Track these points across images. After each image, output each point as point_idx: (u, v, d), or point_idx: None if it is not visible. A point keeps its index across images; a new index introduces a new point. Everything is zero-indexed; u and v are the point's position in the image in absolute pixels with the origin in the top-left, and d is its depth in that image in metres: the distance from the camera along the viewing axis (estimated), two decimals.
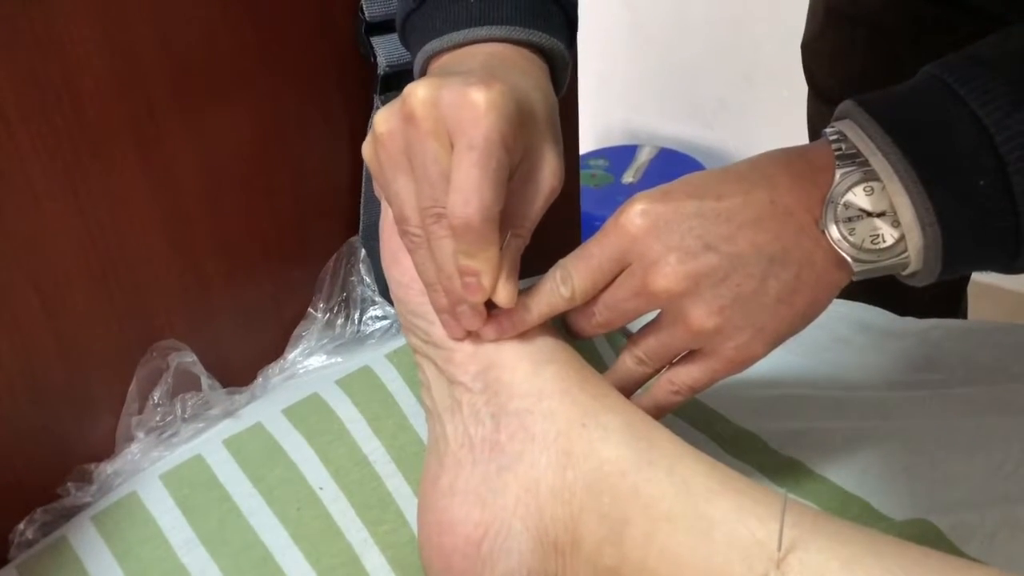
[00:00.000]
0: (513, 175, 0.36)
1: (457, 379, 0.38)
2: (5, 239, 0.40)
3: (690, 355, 0.39)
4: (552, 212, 0.39)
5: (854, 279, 0.37)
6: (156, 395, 0.46)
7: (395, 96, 0.52)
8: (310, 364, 0.51)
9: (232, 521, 0.43)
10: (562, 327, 0.41)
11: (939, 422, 0.50)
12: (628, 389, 0.41)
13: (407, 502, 0.44)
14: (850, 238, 0.35)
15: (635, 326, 0.41)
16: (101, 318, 0.44)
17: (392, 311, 0.52)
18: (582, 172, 1.32)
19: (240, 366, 0.51)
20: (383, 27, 0.51)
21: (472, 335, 0.38)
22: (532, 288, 0.39)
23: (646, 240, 0.36)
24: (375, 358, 0.49)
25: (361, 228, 0.54)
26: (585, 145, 1.42)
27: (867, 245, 0.35)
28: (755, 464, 0.48)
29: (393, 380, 0.48)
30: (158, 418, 0.46)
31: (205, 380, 0.48)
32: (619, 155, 1.52)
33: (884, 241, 0.35)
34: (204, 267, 0.48)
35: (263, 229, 0.50)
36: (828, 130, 0.37)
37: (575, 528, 0.35)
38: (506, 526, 0.36)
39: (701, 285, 0.36)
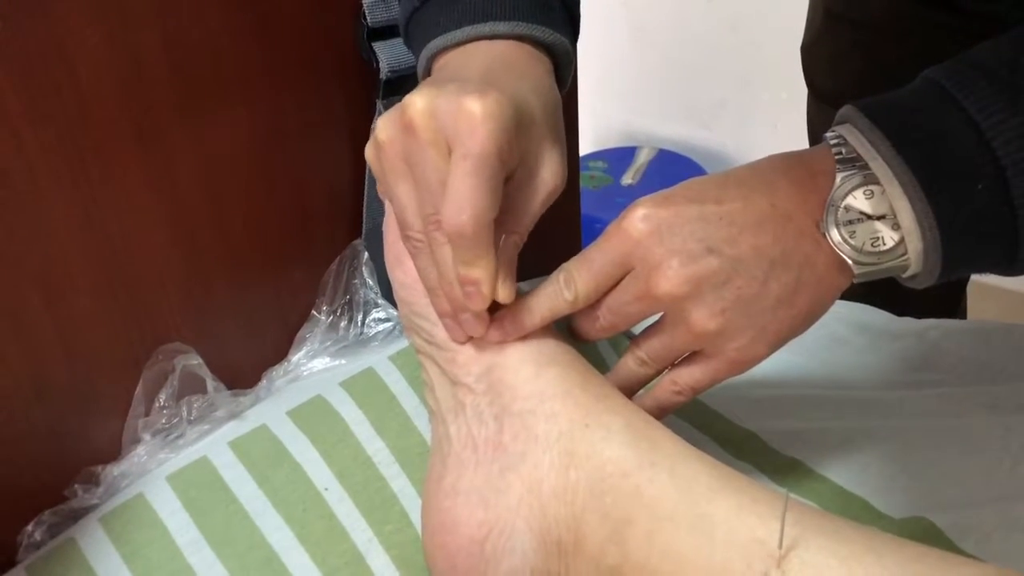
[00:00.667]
0: (510, 178, 0.37)
1: (460, 380, 0.38)
2: (11, 243, 0.40)
3: (692, 356, 0.39)
4: (552, 213, 0.39)
5: (855, 281, 0.37)
6: (162, 397, 0.47)
7: (398, 101, 0.53)
8: (314, 366, 0.52)
9: (238, 522, 0.43)
10: (566, 330, 0.41)
11: (937, 421, 0.50)
12: (630, 390, 0.41)
13: (411, 502, 0.44)
14: (851, 241, 0.36)
15: (637, 328, 0.42)
16: (107, 321, 0.45)
17: (395, 313, 0.53)
18: (581, 174, 1.32)
19: (245, 368, 0.51)
20: (385, 32, 0.51)
21: (475, 337, 0.39)
22: (535, 291, 0.39)
23: (648, 244, 0.36)
24: (378, 360, 0.50)
25: (364, 231, 0.55)
26: (584, 147, 1.43)
27: (867, 248, 0.36)
28: (755, 464, 0.48)
29: (396, 382, 0.49)
30: (164, 420, 0.47)
31: (210, 382, 0.48)
32: (618, 157, 1.53)
33: (884, 244, 0.36)
34: (208, 270, 0.48)
35: (266, 233, 0.51)
36: (828, 134, 0.37)
37: (578, 528, 0.35)
38: (509, 526, 0.36)
39: (703, 288, 0.36)
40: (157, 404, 0.47)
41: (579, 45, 0.46)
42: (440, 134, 0.35)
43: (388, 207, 0.41)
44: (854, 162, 0.36)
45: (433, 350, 0.40)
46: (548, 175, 0.38)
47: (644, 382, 0.41)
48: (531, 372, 0.38)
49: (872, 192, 0.35)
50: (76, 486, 0.44)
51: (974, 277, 0.84)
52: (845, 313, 0.59)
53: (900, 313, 0.60)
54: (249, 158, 0.49)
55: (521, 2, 0.40)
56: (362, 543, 0.43)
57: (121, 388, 0.46)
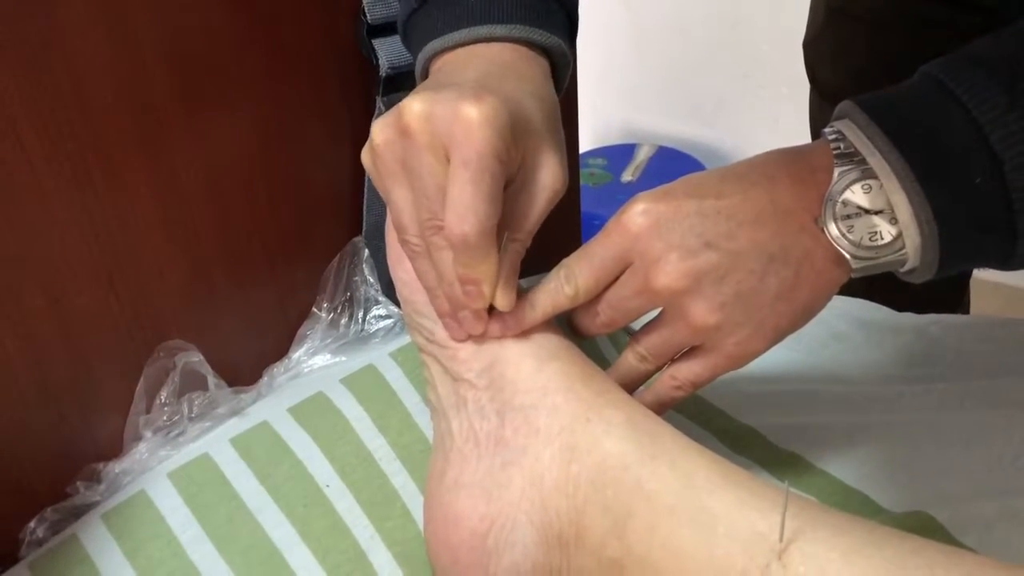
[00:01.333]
0: (511, 183, 0.37)
1: (462, 376, 0.38)
2: (14, 241, 0.40)
3: (692, 351, 0.39)
4: (552, 211, 0.39)
5: (852, 276, 0.37)
6: (163, 395, 0.47)
7: (398, 98, 0.53)
8: (315, 363, 0.52)
9: (240, 518, 0.43)
10: (566, 325, 0.41)
11: (937, 416, 0.51)
12: (630, 385, 0.41)
13: (412, 498, 0.44)
14: (849, 235, 0.36)
15: (636, 324, 0.42)
16: (108, 319, 0.45)
17: (395, 310, 0.53)
18: (581, 171, 1.32)
19: (246, 366, 0.51)
20: (385, 29, 0.51)
21: (474, 335, 0.39)
22: (536, 287, 0.39)
23: (647, 239, 0.36)
24: (379, 357, 0.50)
25: (364, 228, 0.55)
26: (584, 144, 1.43)
27: (865, 242, 0.36)
28: (756, 459, 0.48)
29: (397, 378, 0.49)
30: (165, 417, 0.47)
31: (212, 379, 0.48)
32: (618, 154, 1.53)
33: (882, 238, 0.36)
34: (209, 268, 0.48)
35: (267, 230, 0.51)
36: (827, 130, 0.37)
37: (579, 521, 0.35)
38: (511, 519, 0.36)
39: (702, 282, 0.36)
40: (158, 401, 0.47)
41: (579, 42, 0.46)
42: (437, 139, 0.35)
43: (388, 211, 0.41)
44: (852, 157, 0.36)
45: (435, 348, 0.40)
46: (548, 179, 0.38)
47: (644, 378, 0.41)
48: (532, 367, 0.38)
49: (870, 187, 0.36)
50: (78, 483, 0.44)
51: (975, 273, 0.84)
52: (845, 309, 0.59)
53: (901, 309, 0.60)
54: (249, 156, 0.49)
55: (519, 4, 0.40)
56: (364, 539, 0.43)
57: (122, 385, 0.46)
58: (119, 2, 0.41)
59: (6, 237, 0.40)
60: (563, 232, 0.72)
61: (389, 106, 0.52)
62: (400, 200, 0.37)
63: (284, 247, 0.52)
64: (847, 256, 0.36)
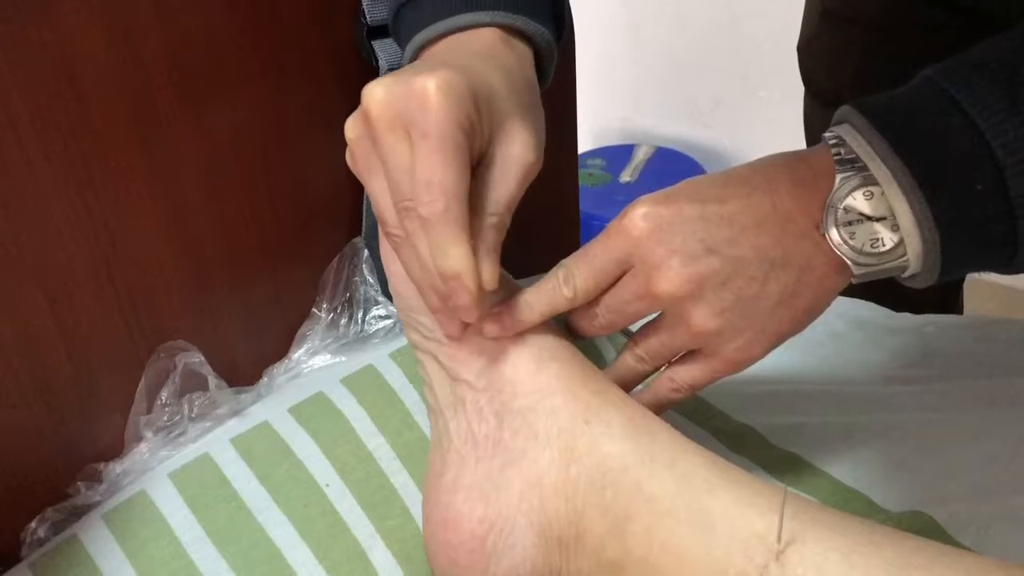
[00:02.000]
0: (481, 159, 0.36)
1: (460, 376, 0.38)
2: (14, 242, 0.40)
3: (691, 354, 0.39)
4: (551, 212, 0.39)
5: (854, 281, 0.37)
6: (164, 395, 0.47)
7: None
8: (315, 363, 0.52)
9: (240, 518, 0.43)
10: (564, 326, 0.41)
11: (935, 415, 0.50)
12: (628, 386, 0.41)
13: (412, 498, 0.44)
14: (850, 242, 0.36)
15: (635, 325, 0.42)
16: (109, 320, 0.44)
17: (395, 310, 0.53)
18: (579, 172, 1.32)
19: (246, 366, 0.51)
20: (384, 31, 0.51)
21: (474, 333, 0.38)
22: (534, 287, 0.39)
23: (649, 243, 0.36)
24: (379, 357, 0.50)
25: (363, 229, 0.55)
26: (582, 145, 1.43)
27: (867, 249, 0.36)
28: (754, 459, 0.48)
29: (397, 378, 0.49)
30: (166, 418, 0.47)
31: (212, 380, 0.48)
32: (616, 154, 1.53)
33: (884, 245, 0.36)
34: (209, 268, 0.48)
35: (267, 231, 0.51)
36: (827, 135, 0.37)
37: (578, 523, 0.35)
38: (510, 521, 0.36)
39: (703, 288, 0.36)
40: (159, 402, 0.47)
41: (577, 43, 0.46)
42: (397, 119, 0.34)
43: None
44: (853, 163, 0.36)
45: (433, 345, 0.40)
46: (519, 152, 0.36)
47: (642, 378, 0.41)
48: (531, 368, 0.37)
49: (871, 193, 0.35)
50: (79, 483, 0.44)
51: (971, 274, 0.84)
52: (843, 309, 0.59)
53: (897, 309, 0.60)
54: (249, 157, 0.48)
55: None
56: (364, 538, 0.43)
57: (123, 386, 0.46)
58: (119, 2, 0.41)
59: (6, 238, 0.40)
60: (561, 232, 0.72)
61: None
62: (378, 191, 0.37)
63: (284, 248, 0.52)
64: (849, 263, 0.36)
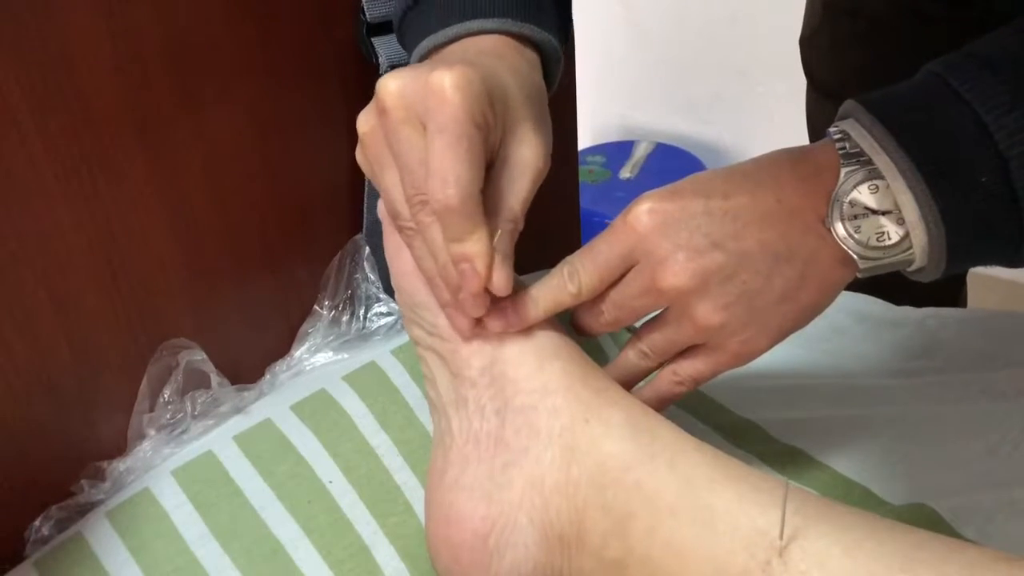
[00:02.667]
0: (494, 160, 0.36)
1: (462, 373, 0.38)
2: (17, 241, 0.40)
3: (694, 349, 0.39)
4: (552, 208, 0.39)
5: (859, 275, 0.37)
6: (166, 393, 0.46)
7: None
8: (317, 361, 0.51)
9: (244, 515, 0.42)
10: (568, 324, 0.40)
11: (937, 408, 0.50)
12: (630, 382, 0.41)
13: (415, 494, 0.44)
14: (856, 236, 0.35)
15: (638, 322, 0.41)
16: (111, 318, 0.44)
17: (396, 307, 0.52)
18: (579, 168, 1.32)
19: (248, 364, 0.51)
20: (384, 28, 0.50)
21: (478, 329, 0.38)
22: (539, 283, 0.38)
23: (654, 238, 0.36)
24: (381, 354, 0.49)
25: (364, 226, 0.54)
26: (582, 141, 1.42)
27: (872, 243, 0.35)
28: (756, 453, 0.48)
29: (399, 375, 0.48)
30: (169, 416, 0.46)
31: (215, 378, 0.48)
32: (616, 151, 1.52)
33: (889, 238, 0.35)
34: (211, 266, 0.48)
35: (268, 229, 0.50)
36: (831, 129, 0.37)
37: (580, 522, 0.35)
38: (512, 520, 0.36)
39: (709, 283, 0.36)
40: (162, 399, 0.46)
41: (577, 39, 0.45)
42: (412, 111, 0.34)
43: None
44: (858, 157, 0.35)
45: (435, 341, 0.39)
46: (530, 157, 0.36)
47: (644, 374, 0.41)
48: (534, 366, 0.37)
49: (877, 187, 0.35)
50: (83, 481, 0.44)
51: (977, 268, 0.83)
52: (845, 302, 0.59)
53: (899, 303, 0.60)
54: (250, 154, 0.48)
55: (510, 1, 0.40)
56: (367, 535, 0.43)
57: (126, 384, 0.46)
58: (120, 2, 0.40)
59: (10, 237, 0.39)
60: (562, 229, 0.72)
61: None
62: (389, 184, 0.36)
63: (285, 245, 0.51)
64: (854, 256, 0.36)
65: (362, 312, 0.53)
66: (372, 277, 0.53)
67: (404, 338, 0.50)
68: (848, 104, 0.36)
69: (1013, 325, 0.57)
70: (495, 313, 0.37)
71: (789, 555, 0.31)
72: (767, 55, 1.41)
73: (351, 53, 0.51)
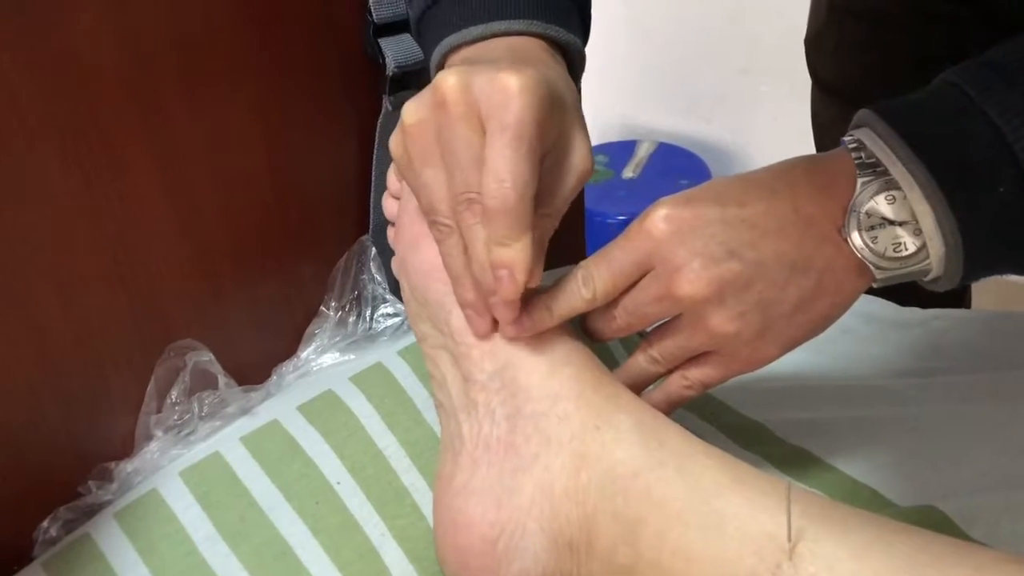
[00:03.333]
0: (544, 159, 0.36)
1: (473, 377, 0.37)
2: (25, 242, 0.40)
3: (704, 354, 0.39)
4: None
5: (875, 285, 0.36)
6: (174, 394, 0.46)
7: (405, 96, 0.52)
8: (323, 361, 0.51)
9: (252, 516, 0.42)
10: (579, 327, 0.40)
11: (944, 409, 0.50)
12: (638, 387, 0.40)
13: (423, 496, 0.44)
14: (872, 246, 0.35)
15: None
16: (118, 319, 0.44)
17: (403, 308, 0.52)
18: None
19: (255, 364, 0.50)
20: (391, 28, 0.50)
21: (503, 324, 0.37)
22: (553, 288, 0.38)
23: (670, 245, 0.36)
24: (387, 355, 0.49)
25: (371, 227, 0.54)
26: None
27: (889, 253, 0.35)
28: (763, 454, 0.48)
29: (406, 376, 0.48)
30: (176, 416, 0.46)
31: (222, 379, 0.48)
32: (618, 150, 1.52)
33: (906, 249, 0.35)
34: (218, 267, 0.48)
35: (275, 229, 0.50)
36: (846, 138, 0.36)
37: (590, 528, 0.35)
38: (521, 526, 0.35)
39: (724, 291, 0.35)
40: (169, 400, 0.46)
41: None
42: (473, 108, 0.34)
43: (404, 197, 0.40)
44: (874, 167, 0.35)
45: (447, 341, 0.39)
46: (579, 159, 0.37)
47: (653, 379, 0.40)
48: (544, 372, 0.37)
49: (893, 197, 0.35)
50: (90, 482, 0.44)
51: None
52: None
53: (905, 304, 0.60)
54: (256, 155, 0.48)
55: (535, 2, 0.39)
56: (375, 537, 0.42)
57: (133, 385, 0.46)
58: (127, 2, 0.40)
59: (17, 239, 0.39)
60: (567, 228, 0.72)
61: (396, 105, 0.52)
62: (431, 180, 0.36)
63: (291, 246, 0.51)
64: (871, 267, 0.35)
65: (368, 313, 0.53)
66: (379, 278, 0.53)
67: (411, 339, 0.50)
68: (863, 113, 0.36)
69: (1019, 326, 0.57)
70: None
71: (798, 557, 0.31)
72: (769, 54, 1.40)
73: (357, 54, 0.51)
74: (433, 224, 0.37)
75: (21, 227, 0.39)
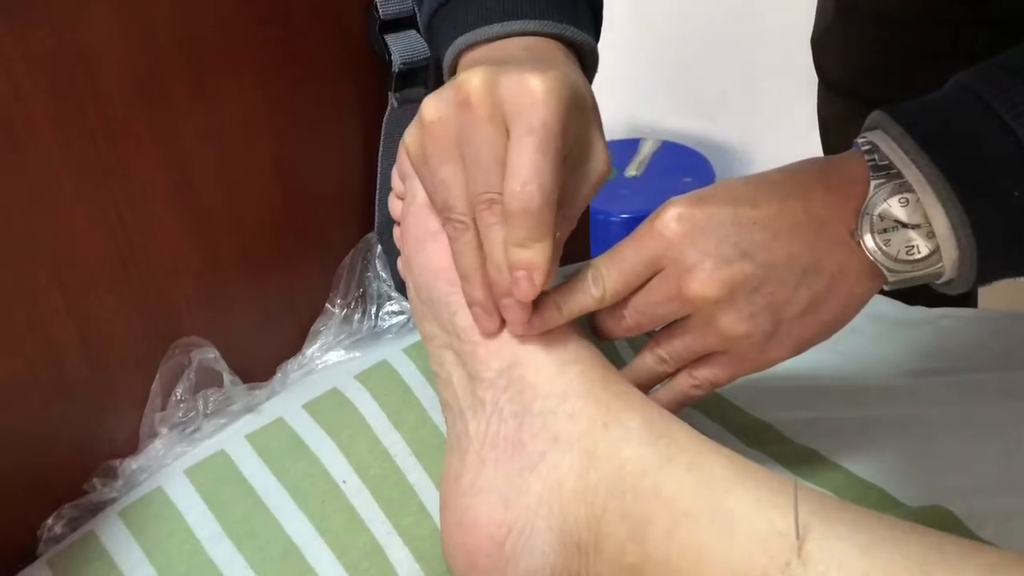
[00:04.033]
0: (565, 160, 0.35)
1: (480, 375, 0.37)
2: (31, 239, 0.40)
3: (713, 354, 0.38)
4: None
5: (887, 288, 0.36)
6: (179, 391, 0.46)
7: (411, 93, 0.52)
8: (328, 359, 0.51)
9: (257, 515, 0.42)
10: (586, 327, 0.40)
11: (952, 408, 0.50)
12: (645, 386, 0.40)
13: (429, 495, 0.43)
14: (885, 249, 0.35)
15: None
16: (124, 316, 0.44)
17: (408, 306, 0.52)
18: None
19: (260, 362, 0.50)
20: (397, 25, 0.50)
21: (514, 323, 0.37)
22: (562, 286, 0.38)
23: (682, 245, 0.35)
24: (392, 352, 0.49)
25: (376, 224, 0.54)
26: None
27: (902, 256, 0.35)
28: (771, 454, 0.47)
29: (411, 374, 0.48)
30: (181, 414, 0.46)
31: (227, 376, 0.48)
32: (622, 149, 1.52)
33: (919, 252, 0.35)
34: (223, 264, 0.48)
35: (280, 227, 0.50)
36: (859, 140, 0.36)
37: (598, 527, 0.34)
38: (529, 525, 0.35)
39: (735, 292, 0.35)
40: (174, 398, 0.46)
41: None
42: (498, 110, 0.33)
43: (412, 194, 0.40)
44: (887, 170, 0.35)
45: (452, 340, 0.38)
46: (598, 161, 0.37)
47: (661, 379, 0.40)
48: (553, 370, 0.36)
49: (907, 200, 0.34)
50: (95, 480, 0.44)
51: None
52: None
53: (912, 303, 0.59)
54: (262, 152, 0.48)
55: (549, 2, 0.39)
56: (381, 536, 0.42)
57: (138, 382, 0.46)
58: (134, 2, 0.40)
59: (23, 235, 0.39)
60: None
61: (402, 101, 0.52)
62: (449, 178, 0.35)
63: (297, 244, 0.51)
64: (883, 270, 0.35)
65: (374, 310, 0.53)
66: (384, 275, 0.53)
67: (416, 337, 0.50)
68: (875, 115, 0.36)
69: None
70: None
71: (808, 556, 0.31)
72: (774, 53, 1.40)
73: (362, 51, 0.51)
74: (448, 221, 0.36)
75: (27, 224, 0.39)
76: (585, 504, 0.35)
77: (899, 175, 0.35)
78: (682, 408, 0.40)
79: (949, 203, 0.33)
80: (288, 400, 0.48)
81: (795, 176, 0.37)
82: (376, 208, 0.54)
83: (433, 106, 0.35)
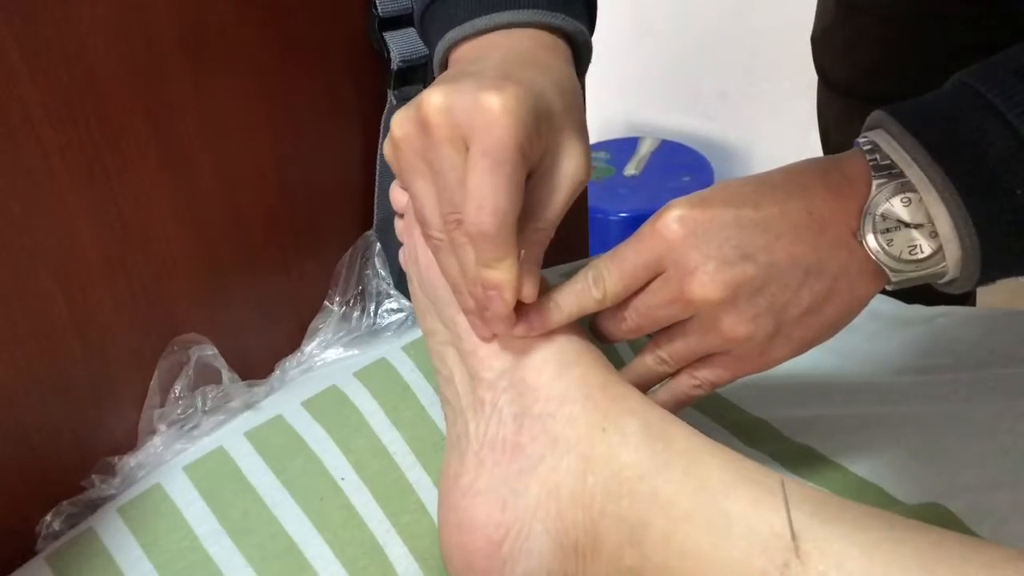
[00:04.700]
0: (533, 172, 0.35)
1: (480, 375, 0.37)
2: (29, 236, 0.39)
3: (714, 355, 0.38)
4: None
5: (890, 288, 0.36)
6: (177, 388, 0.46)
7: (410, 91, 0.52)
8: (327, 357, 0.51)
9: (256, 512, 0.42)
10: (587, 326, 0.39)
11: (949, 407, 0.49)
12: (644, 387, 0.40)
13: (428, 493, 0.43)
14: (888, 249, 0.35)
15: None
16: (123, 313, 0.44)
17: (407, 304, 0.52)
18: None
19: (258, 359, 0.50)
20: (396, 22, 0.50)
21: (499, 335, 0.37)
22: (562, 287, 0.37)
23: (683, 247, 0.35)
24: (391, 350, 0.49)
25: (376, 222, 0.54)
26: None
27: (905, 256, 0.35)
28: (769, 452, 0.47)
29: (410, 372, 0.48)
30: (179, 411, 0.46)
31: (225, 373, 0.47)
32: (620, 147, 1.51)
33: (922, 252, 0.34)
34: (222, 261, 0.48)
35: (279, 224, 0.50)
36: (860, 140, 0.36)
37: (595, 531, 0.34)
38: (527, 528, 0.35)
39: (737, 294, 0.35)
40: (173, 395, 0.46)
41: None
42: (456, 131, 0.33)
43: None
44: (889, 170, 0.34)
45: (455, 338, 0.38)
46: (571, 168, 0.36)
47: (661, 379, 0.40)
48: (552, 373, 0.36)
49: (909, 200, 0.34)
50: (93, 476, 0.44)
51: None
52: None
53: (910, 302, 0.59)
54: (261, 149, 0.48)
55: None
56: (380, 533, 0.42)
57: (137, 379, 0.45)
58: (132, 1, 0.40)
59: (23, 233, 0.39)
60: (569, 225, 0.71)
61: (401, 99, 0.51)
62: (422, 193, 0.35)
63: (296, 241, 0.51)
64: (886, 270, 0.35)
65: (372, 308, 0.53)
66: (383, 273, 0.52)
67: (415, 335, 0.50)
68: (876, 114, 0.35)
69: (1022, 324, 0.57)
70: (518, 318, 0.36)
71: (807, 556, 0.31)
72: (772, 51, 1.40)
73: (361, 48, 0.51)
74: (427, 237, 0.37)
75: (25, 221, 0.39)
76: (583, 508, 0.34)
77: (901, 175, 0.34)
78: (682, 408, 0.40)
79: (952, 202, 0.33)
80: (287, 397, 0.47)
81: (796, 177, 0.36)
82: (375, 205, 0.53)
83: (399, 122, 0.35)
